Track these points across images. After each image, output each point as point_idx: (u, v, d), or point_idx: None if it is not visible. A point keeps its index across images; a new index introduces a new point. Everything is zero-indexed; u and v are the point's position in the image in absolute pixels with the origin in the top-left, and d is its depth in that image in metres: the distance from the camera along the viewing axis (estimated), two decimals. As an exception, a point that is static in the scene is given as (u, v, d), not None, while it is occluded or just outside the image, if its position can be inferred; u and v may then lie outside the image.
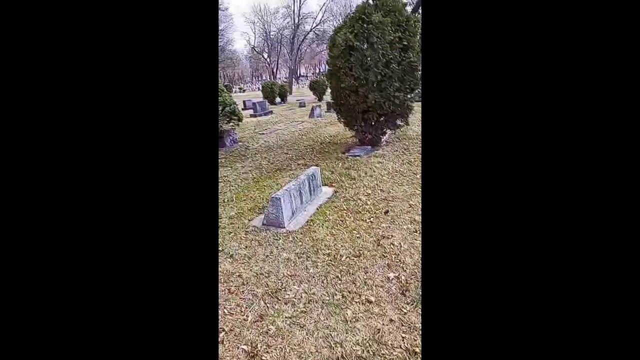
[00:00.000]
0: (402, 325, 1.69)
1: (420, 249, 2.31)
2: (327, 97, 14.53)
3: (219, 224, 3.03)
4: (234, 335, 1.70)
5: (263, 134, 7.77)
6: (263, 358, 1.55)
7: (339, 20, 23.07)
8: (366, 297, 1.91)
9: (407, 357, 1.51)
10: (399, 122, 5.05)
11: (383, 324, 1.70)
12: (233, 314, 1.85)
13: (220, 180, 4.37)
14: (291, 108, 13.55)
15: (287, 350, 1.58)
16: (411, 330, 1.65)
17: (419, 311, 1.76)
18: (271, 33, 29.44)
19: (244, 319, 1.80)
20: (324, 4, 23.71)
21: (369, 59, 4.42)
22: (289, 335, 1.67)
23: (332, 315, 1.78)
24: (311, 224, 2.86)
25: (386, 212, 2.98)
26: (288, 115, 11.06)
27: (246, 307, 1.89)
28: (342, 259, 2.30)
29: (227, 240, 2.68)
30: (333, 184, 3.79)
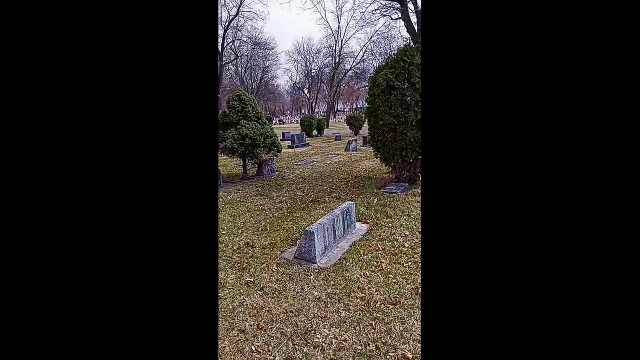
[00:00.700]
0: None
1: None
2: (363, 131, 14.76)
3: (253, 253, 3.05)
4: (260, 377, 1.62)
5: (299, 165, 7.97)
6: (288, 409, 1.44)
7: (378, 60, 23.98)
8: (403, 352, 1.74)
9: None
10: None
11: (422, 388, 1.52)
12: (260, 352, 1.78)
13: (256, 209, 4.48)
14: (327, 141, 13.89)
15: (315, 404, 1.46)
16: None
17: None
18: (312, 71, 31.33)
19: (271, 361, 1.72)
20: (365, 45, 24.96)
21: (409, 98, 4.47)
22: (317, 386, 1.55)
23: (364, 369, 1.64)
24: (344, 262, 2.77)
25: (425, 256, 2.80)
26: (324, 147, 11.32)
27: (274, 347, 1.81)
28: (377, 306, 2.16)
29: (259, 272, 2.67)
30: (368, 221, 3.69)
